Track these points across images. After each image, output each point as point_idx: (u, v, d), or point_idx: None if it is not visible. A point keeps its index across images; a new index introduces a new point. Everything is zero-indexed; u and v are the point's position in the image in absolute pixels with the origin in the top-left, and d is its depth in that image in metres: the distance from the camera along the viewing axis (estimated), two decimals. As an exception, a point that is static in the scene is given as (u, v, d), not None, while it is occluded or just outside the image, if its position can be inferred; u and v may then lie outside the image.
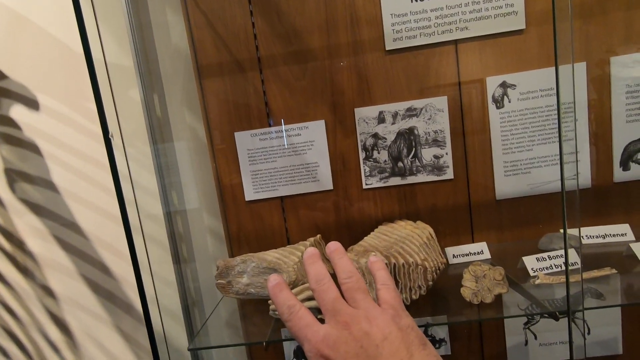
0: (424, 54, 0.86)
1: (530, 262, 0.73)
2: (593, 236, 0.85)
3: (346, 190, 0.93)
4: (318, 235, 0.85)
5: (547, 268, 0.73)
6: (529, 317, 0.94)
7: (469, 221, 0.91)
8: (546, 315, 0.68)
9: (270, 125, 0.91)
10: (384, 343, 0.23)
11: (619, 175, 0.88)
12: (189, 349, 0.75)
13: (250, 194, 0.93)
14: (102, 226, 0.99)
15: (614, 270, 0.68)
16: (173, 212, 0.96)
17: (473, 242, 0.92)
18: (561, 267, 0.73)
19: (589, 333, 0.93)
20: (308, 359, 0.24)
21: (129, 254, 0.65)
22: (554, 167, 0.88)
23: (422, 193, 0.91)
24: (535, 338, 0.95)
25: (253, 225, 0.95)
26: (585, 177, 0.88)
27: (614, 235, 0.83)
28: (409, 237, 0.73)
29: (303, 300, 0.68)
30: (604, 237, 0.84)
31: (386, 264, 0.64)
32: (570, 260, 0.74)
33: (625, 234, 0.83)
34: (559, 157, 0.87)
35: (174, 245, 0.96)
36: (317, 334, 0.24)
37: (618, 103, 0.86)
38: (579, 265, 0.73)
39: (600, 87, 0.85)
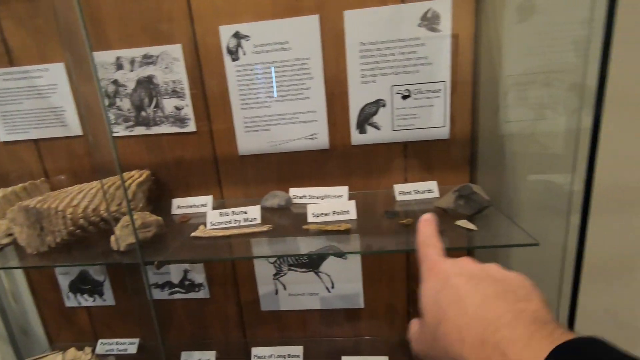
0: (155, -4, 0.82)
1: (212, 216, 0.75)
2: (315, 196, 0.86)
3: (96, 136, 0.92)
4: (39, 180, 0.87)
5: (225, 223, 0.75)
6: (278, 269, 0.99)
7: (216, 175, 0.92)
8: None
9: (11, 65, 0.89)
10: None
11: (356, 137, 0.87)
12: None
13: (3, 136, 0.94)
14: None
15: (265, 227, 0.70)
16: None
17: (222, 196, 0.94)
18: (240, 222, 0.75)
19: (333, 287, 0.99)
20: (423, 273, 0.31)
21: None
22: (293, 126, 0.87)
23: (169, 144, 0.91)
24: (285, 288, 1.00)
25: (13, 167, 0.96)
26: (322, 138, 0.87)
27: (332, 197, 0.85)
28: (87, 188, 0.74)
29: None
30: (322, 197, 0.85)
31: (32, 207, 0.67)
32: (253, 216, 0.77)
33: (342, 195, 0.84)
34: (297, 115, 0.86)
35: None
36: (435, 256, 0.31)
37: (353, 62, 0.82)
38: (259, 221, 0.76)
39: (335, 43, 0.81)
